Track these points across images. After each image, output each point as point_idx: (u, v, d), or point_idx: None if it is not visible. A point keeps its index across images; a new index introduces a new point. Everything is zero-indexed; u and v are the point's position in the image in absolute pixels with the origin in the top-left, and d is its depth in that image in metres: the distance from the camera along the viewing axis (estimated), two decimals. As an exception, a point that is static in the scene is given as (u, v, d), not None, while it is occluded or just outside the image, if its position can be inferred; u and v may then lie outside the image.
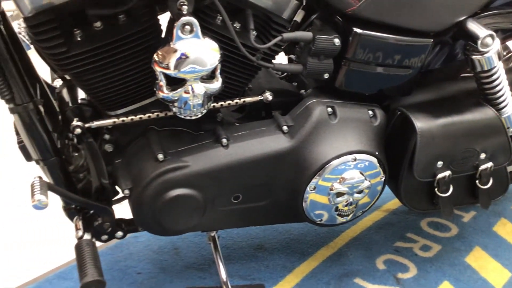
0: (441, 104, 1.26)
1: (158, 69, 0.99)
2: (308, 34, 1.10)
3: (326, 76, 1.15)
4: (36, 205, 0.92)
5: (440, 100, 1.29)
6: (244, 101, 1.17)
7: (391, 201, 1.67)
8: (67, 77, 1.21)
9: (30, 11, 0.95)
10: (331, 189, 1.16)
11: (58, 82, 1.32)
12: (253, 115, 1.26)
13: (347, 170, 1.15)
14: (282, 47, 1.17)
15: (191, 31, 0.97)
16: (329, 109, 1.16)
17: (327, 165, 1.13)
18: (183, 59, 0.97)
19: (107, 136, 1.14)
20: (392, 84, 1.21)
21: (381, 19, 1.12)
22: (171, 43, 0.97)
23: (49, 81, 1.31)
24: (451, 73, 1.37)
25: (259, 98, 1.18)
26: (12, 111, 1.03)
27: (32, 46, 1.11)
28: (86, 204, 1.10)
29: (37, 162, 1.11)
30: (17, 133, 1.13)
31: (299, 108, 1.18)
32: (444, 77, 1.34)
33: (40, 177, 0.99)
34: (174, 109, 1.06)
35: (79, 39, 0.99)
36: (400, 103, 1.26)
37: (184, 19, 0.95)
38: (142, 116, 1.10)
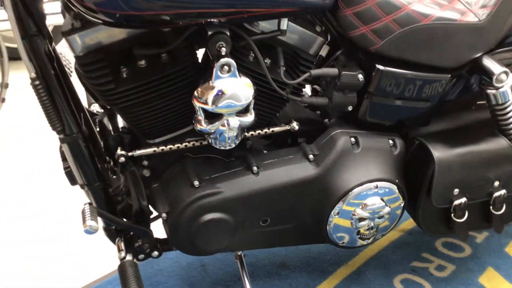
0: (457, 134, 1.33)
1: (197, 104, 1.08)
2: (334, 70, 1.19)
3: (349, 108, 1.23)
4: (87, 230, 1.01)
5: (456, 129, 1.36)
6: (272, 131, 1.26)
7: (406, 221, 1.75)
8: (107, 106, 1.31)
9: (82, 51, 1.05)
10: (353, 214, 1.24)
11: (95, 107, 1.41)
12: (280, 141, 1.34)
13: (369, 197, 1.23)
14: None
15: (228, 71, 1.05)
16: (352, 139, 1.24)
17: (350, 192, 1.21)
18: (220, 95, 1.06)
19: (145, 162, 1.22)
20: (411, 115, 1.28)
21: (401, 56, 1.20)
22: (210, 81, 1.06)
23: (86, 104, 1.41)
24: (466, 103, 1.44)
25: (286, 128, 1.26)
26: (62, 141, 1.12)
27: (72, 74, 1.21)
28: (130, 228, 1.19)
29: (82, 187, 1.20)
30: (63, 159, 1.22)
31: (324, 137, 1.26)
32: (459, 107, 1.42)
33: (90, 204, 1.07)
34: (210, 140, 1.15)
35: (125, 76, 1.08)
36: (418, 132, 1.34)
37: (223, 60, 1.04)
38: (179, 145, 1.19)
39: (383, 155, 1.26)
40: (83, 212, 1.04)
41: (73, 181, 1.22)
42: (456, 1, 1.26)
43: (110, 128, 1.27)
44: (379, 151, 1.26)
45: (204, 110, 1.09)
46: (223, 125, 1.10)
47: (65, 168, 1.22)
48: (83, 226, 1.01)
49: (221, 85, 1.05)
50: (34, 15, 0.98)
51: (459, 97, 1.38)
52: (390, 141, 1.28)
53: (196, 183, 1.16)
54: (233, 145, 1.16)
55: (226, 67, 1.05)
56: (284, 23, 1.11)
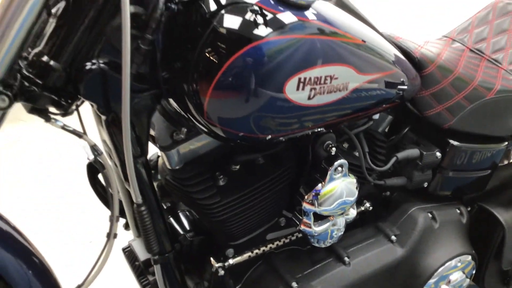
0: (507, 192, 1.39)
1: (309, 208, 1.01)
2: (416, 152, 1.18)
3: (425, 185, 1.23)
4: None
5: (502, 187, 1.42)
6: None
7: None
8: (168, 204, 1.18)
9: (179, 163, 0.94)
10: (440, 291, 1.24)
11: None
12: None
13: (453, 272, 1.24)
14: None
15: (341, 171, 1.00)
16: (429, 215, 1.24)
17: (436, 271, 1.21)
18: (336, 197, 1.00)
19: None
20: (473, 183, 1.32)
21: (469, 131, 1.23)
22: (323, 183, 1.00)
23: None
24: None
25: (361, 209, 1.23)
26: (155, 262, 0.98)
27: None
28: None
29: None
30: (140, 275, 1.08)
31: (400, 215, 1.24)
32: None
33: None
34: (311, 240, 1.08)
35: (221, 183, 0.98)
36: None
37: (338, 162, 0.98)
38: (272, 245, 1.10)
39: (457, 227, 1.27)
40: None
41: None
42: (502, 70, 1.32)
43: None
44: (454, 223, 1.27)
45: (314, 213, 1.02)
46: (333, 225, 1.04)
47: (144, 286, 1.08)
48: None
49: (336, 186, 1.00)
50: (142, 139, 0.86)
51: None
52: (457, 210, 1.30)
53: (294, 284, 1.08)
54: (334, 242, 1.10)
55: (339, 168, 0.99)
56: (378, 114, 1.09)
